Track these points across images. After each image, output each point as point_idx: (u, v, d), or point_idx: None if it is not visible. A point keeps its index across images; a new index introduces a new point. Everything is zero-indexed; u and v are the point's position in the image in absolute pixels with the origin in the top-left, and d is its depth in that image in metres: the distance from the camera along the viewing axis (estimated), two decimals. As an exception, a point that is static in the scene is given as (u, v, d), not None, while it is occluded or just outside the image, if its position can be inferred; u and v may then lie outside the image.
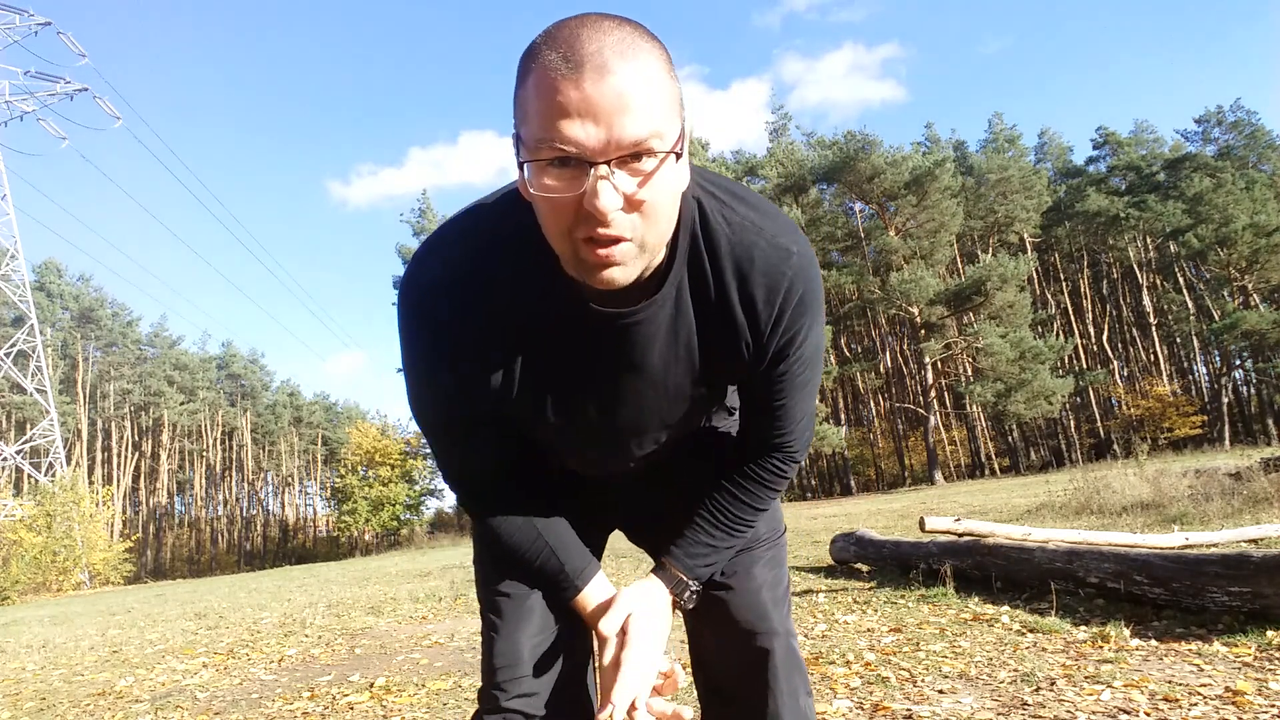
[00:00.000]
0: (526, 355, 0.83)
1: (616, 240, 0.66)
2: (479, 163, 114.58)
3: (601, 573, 0.97)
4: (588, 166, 0.63)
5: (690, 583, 0.95)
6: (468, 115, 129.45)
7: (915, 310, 31.98)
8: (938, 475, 29.93)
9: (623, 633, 0.87)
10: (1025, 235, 40.69)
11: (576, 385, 0.86)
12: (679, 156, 0.68)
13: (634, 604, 0.89)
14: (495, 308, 0.80)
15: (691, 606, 0.97)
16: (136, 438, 53.43)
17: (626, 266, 0.69)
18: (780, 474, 0.96)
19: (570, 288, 0.77)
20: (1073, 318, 42.29)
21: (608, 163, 0.63)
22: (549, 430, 0.92)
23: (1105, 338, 42.36)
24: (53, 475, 27.04)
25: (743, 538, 0.98)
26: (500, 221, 0.80)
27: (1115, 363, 42.01)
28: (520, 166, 0.67)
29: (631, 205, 0.66)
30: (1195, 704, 1.94)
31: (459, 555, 14.10)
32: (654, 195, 0.66)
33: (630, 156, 0.64)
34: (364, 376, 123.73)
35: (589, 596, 0.94)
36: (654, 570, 0.96)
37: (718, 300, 0.81)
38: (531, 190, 0.66)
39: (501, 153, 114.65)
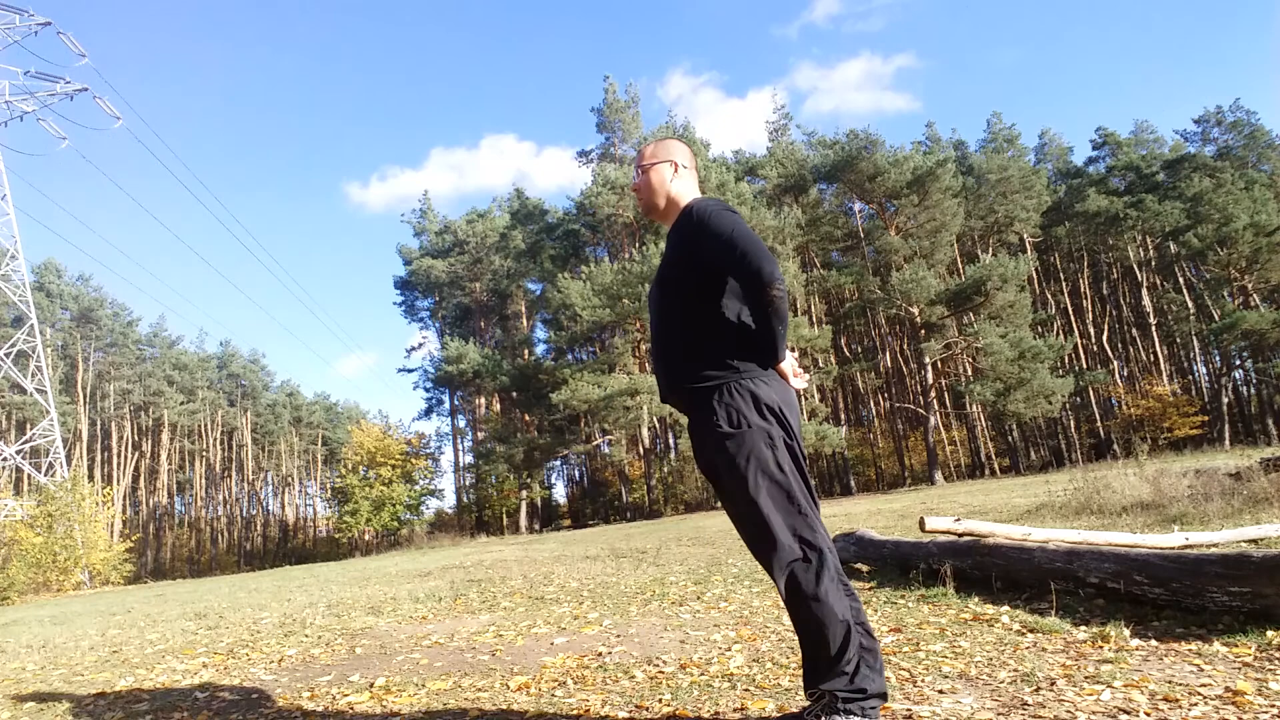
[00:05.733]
0: None
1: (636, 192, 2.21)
2: (499, 168, 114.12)
3: None
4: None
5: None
6: (489, 119, 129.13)
7: (915, 310, 31.97)
8: (938, 475, 29.93)
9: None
10: (1025, 235, 40.68)
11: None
12: (655, 168, 2.14)
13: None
14: None
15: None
16: (136, 438, 53.44)
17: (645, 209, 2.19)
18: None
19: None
20: (1073, 318, 42.27)
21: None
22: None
23: (1105, 338, 42.34)
24: (53, 475, 27.02)
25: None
26: None
27: (1115, 363, 41.98)
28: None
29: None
30: (1195, 704, 1.94)
31: (459, 555, 14.09)
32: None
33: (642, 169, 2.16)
34: (366, 378, 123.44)
35: None
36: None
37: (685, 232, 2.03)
38: None
39: (520, 156, 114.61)
